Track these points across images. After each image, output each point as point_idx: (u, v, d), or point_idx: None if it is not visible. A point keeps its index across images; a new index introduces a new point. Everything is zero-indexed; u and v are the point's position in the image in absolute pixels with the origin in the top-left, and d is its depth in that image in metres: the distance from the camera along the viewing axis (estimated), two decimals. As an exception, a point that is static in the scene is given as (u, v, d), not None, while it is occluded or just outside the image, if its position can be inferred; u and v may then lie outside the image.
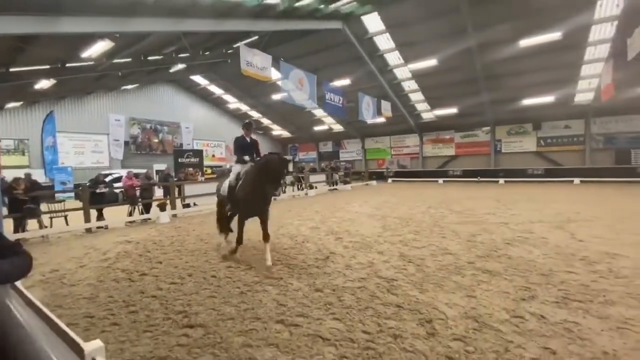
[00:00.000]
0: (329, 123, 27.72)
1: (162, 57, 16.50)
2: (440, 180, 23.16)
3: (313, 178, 19.05)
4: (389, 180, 25.82)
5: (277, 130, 31.50)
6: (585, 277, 3.94)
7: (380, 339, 2.73)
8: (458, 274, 4.22)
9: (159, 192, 12.89)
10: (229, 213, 5.75)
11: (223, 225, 5.80)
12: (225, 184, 5.35)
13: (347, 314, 3.22)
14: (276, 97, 21.91)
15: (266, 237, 4.81)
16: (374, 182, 24.00)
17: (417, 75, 19.01)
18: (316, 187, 17.83)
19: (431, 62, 16.99)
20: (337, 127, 28.10)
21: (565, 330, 2.76)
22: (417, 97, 21.81)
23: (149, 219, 9.90)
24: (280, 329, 2.97)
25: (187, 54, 16.37)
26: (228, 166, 16.18)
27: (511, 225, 7.06)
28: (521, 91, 18.51)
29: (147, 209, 10.21)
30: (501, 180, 20.77)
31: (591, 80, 16.75)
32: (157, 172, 17.79)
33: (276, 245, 6.01)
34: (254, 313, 3.30)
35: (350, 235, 6.67)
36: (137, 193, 10.05)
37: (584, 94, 18.11)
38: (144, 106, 22.64)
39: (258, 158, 5.20)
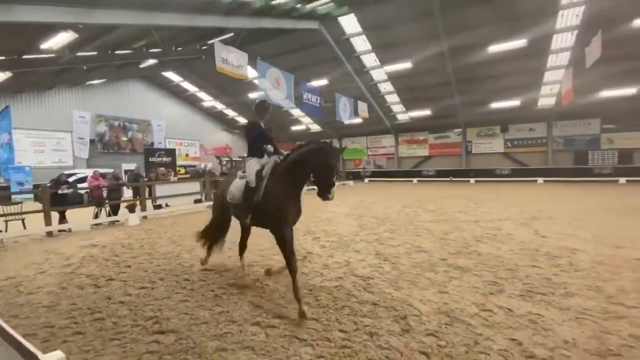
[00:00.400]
0: (306, 123, 27.69)
1: (131, 51, 15.79)
2: (415, 180, 23.79)
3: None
4: (366, 180, 26.18)
5: (254, 130, 31.04)
6: (547, 271, 4.17)
7: (357, 337, 2.75)
8: (431, 270, 4.34)
9: (128, 193, 12.32)
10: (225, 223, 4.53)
11: (212, 238, 4.57)
12: (237, 185, 3.93)
13: (324, 313, 3.22)
14: (253, 95, 21.61)
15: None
16: (351, 182, 24.24)
17: (392, 77, 19.41)
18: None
19: (406, 65, 17.42)
20: (315, 127, 28.14)
21: (530, 321, 2.91)
22: (392, 99, 22.26)
23: (117, 221, 9.43)
24: (256, 331, 2.92)
25: (159, 49, 15.77)
26: (203, 166, 15.76)
27: (481, 223, 7.36)
28: (490, 95, 19.40)
29: (114, 210, 9.72)
30: (472, 180, 21.64)
31: (553, 86, 17.83)
32: (126, 171, 16.99)
33: (252, 247, 5.89)
34: (229, 316, 3.22)
35: (328, 234, 6.68)
36: (104, 194, 9.55)
37: (546, 98, 19.27)
38: (111, 102, 21.55)
39: (290, 150, 3.81)
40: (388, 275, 4.22)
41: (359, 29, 15.76)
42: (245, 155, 4.11)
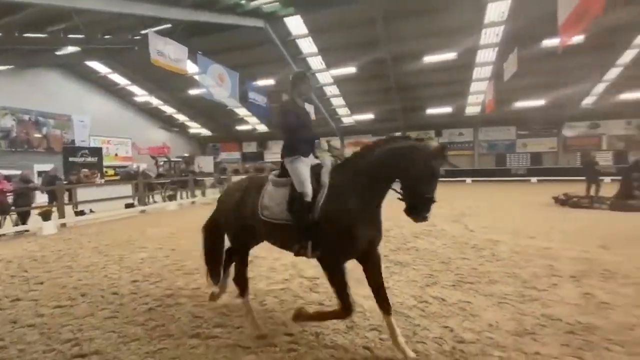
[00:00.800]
0: (253, 123, 27.02)
1: (45, 35, 13.78)
2: (360, 181, 24.65)
3: (237, 179, 18.31)
4: (313, 181, 26.41)
5: (195, 128, 29.35)
6: (474, 262, 4.61)
7: (303, 339, 2.72)
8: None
9: (43, 198, 10.71)
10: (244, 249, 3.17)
11: (218, 265, 3.28)
12: (274, 196, 2.69)
13: (270, 317, 3.14)
14: (194, 92, 20.41)
15: (386, 303, 2.54)
16: (298, 183, 24.23)
17: (338, 81, 19.90)
18: (239, 189, 17.17)
19: (351, 70, 18.00)
20: (262, 127, 27.59)
21: (460, 309, 3.16)
22: (338, 102, 22.83)
23: (27, 230, 8.14)
24: (196, 343, 2.72)
25: (81, 35, 14.01)
26: (135, 166, 14.39)
27: (419, 220, 7.87)
28: (426, 102, 21.05)
29: (23, 218, 8.37)
30: (411, 180, 23.14)
31: (478, 96, 19.94)
32: (40, 173, 14.80)
33: (192, 253, 5.53)
34: (165, 330, 2.96)
35: (274, 236, 6.56)
36: (9, 199, 8.17)
37: (473, 107, 21.51)
38: (20, 93, 18.53)
39: (370, 145, 2.63)
40: (334, 274, 4.27)
41: (305, 30, 15.83)
42: (279, 152, 2.85)
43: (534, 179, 20.33)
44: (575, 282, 3.79)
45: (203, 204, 13.58)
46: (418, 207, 2.33)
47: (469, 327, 2.81)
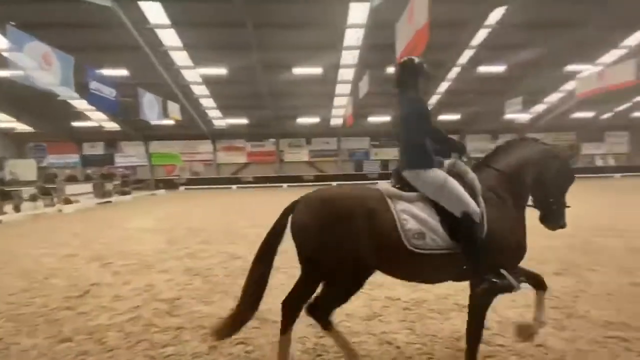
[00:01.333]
0: (98, 119, 22.39)
1: None
2: (234, 187, 23.88)
3: (73, 189, 14.67)
4: (181, 188, 23.97)
5: (4, 122, 22.05)
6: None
7: (154, 375, 2.32)
8: (245, 277, 4.32)
9: None
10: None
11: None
12: (421, 217, 2.04)
13: (110, 358, 2.55)
14: (2, 73, 15.33)
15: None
16: (162, 191, 21.52)
17: (208, 82, 18.77)
18: (78, 201, 13.79)
19: (221, 71, 17.28)
20: (111, 125, 23.19)
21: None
22: (208, 103, 21.54)
23: None
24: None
25: None
26: None
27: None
28: (297, 111, 22.31)
29: None
30: (285, 185, 23.96)
31: (340, 109, 22.49)
32: None
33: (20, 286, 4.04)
34: None
35: (124, 257, 5.51)
36: None
37: (335, 119, 24.13)
38: None
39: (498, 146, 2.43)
40: (198, 291, 3.89)
41: (167, 21, 14.24)
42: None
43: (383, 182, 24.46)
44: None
45: (16, 223, 10.23)
46: (557, 214, 2.27)
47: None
